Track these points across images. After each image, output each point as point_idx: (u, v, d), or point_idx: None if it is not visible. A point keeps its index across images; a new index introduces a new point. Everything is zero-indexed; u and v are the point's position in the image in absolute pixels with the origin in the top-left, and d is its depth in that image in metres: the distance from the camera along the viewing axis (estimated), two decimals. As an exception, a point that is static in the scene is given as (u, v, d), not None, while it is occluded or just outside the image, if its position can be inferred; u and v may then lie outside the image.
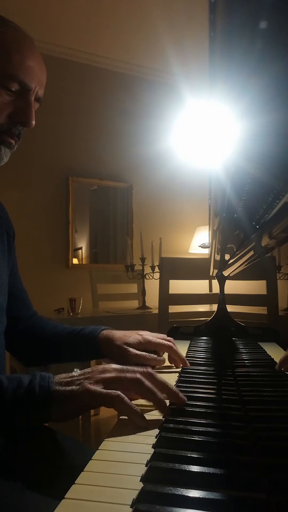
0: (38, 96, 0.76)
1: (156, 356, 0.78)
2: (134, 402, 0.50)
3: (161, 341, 0.79)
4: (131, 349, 0.76)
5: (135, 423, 0.47)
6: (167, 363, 0.79)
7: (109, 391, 0.50)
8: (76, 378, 0.54)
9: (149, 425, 0.46)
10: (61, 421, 0.53)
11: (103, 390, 0.51)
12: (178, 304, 1.86)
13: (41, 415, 0.52)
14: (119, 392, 0.50)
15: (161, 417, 0.49)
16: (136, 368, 0.54)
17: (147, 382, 0.52)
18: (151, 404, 0.51)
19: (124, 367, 0.55)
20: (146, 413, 0.50)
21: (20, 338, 0.89)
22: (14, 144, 0.75)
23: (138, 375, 0.52)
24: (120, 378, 0.53)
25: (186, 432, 0.43)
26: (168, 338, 0.80)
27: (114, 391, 0.50)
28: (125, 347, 0.77)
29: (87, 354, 0.85)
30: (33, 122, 0.74)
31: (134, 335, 0.79)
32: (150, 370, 0.55)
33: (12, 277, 0.87)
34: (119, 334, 0.80)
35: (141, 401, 0.53)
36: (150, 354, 0.77)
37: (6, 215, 0.90)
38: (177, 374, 0.71)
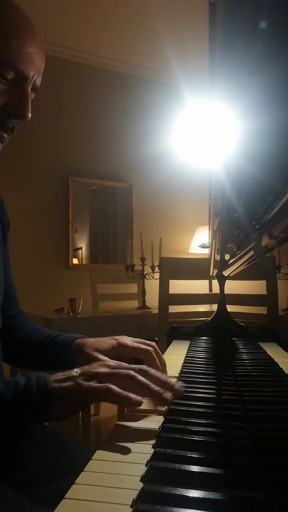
0: (35, 85, 0.69)
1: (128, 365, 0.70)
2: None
3: (138, 345, 0.69)
4: (101, 356, 0.68)
5: (130, 408, 0.47)
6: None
7: (99, 384, 0.50)
8: (71, 375, 0.54)
9: (142, 404, 0.48)
10: (61, 418, 0.52)
11: (94, 384, 0.51)
12: (178, 304, 1.86)
13: (41, 413, 0.52)
14: (108, 384, 0.50)
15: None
16: (130, 365, 0.55)
17: (139, 377, 0.52)
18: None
19: (119, 363, 0.56)
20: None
21: None
22: (6, 138, 0.69)
23: (131, 372, 0.52)
24: (113, 374, 0.53)
25: (186, 432, 0.43)
26: (149, 342, 0.70)
27: (104, 384, 0.50)
28: (95, 354, 0.69)
29: (57, 363, 0.78)
30: (29, 115, 0.67)
31: (108, 341, 0.71)
32: (144, 367, 0.55)
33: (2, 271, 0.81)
34: (91, 341, 0.73)
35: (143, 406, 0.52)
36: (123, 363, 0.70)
37: (2, 205, 0.86)
38: (175, 378, 0.69)
